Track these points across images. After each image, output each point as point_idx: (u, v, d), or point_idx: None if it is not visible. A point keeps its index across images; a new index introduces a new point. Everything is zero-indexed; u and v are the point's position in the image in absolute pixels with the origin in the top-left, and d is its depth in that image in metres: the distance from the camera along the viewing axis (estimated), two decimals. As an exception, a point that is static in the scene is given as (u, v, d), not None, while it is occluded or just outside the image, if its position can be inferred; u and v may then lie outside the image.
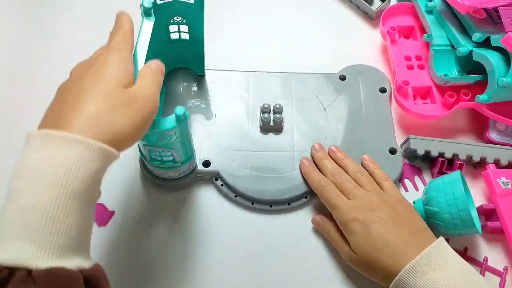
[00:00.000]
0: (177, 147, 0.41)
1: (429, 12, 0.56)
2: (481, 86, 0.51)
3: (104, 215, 0.47)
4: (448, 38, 0.54)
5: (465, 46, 0.50)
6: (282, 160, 0.49)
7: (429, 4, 0.56)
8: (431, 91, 0.54)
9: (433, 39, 0.54)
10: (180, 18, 0.48)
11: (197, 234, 0.46)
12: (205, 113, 0.53)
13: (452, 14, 0.54)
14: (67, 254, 0.27)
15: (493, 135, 0.51)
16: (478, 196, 0.49)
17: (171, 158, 0.43)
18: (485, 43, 0.50)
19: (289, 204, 0.48)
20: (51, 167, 0.27)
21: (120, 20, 0.37)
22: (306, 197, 0.48)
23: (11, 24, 0.62)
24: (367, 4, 0.63)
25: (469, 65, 0.52)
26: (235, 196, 0.48)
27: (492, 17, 0.52)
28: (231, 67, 0.57)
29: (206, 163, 0.49)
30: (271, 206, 0.48)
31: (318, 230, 0.47)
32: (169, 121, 0.37)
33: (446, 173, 0.48)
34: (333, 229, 0.44)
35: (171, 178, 0.47)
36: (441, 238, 0.39)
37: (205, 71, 0.55)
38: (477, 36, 0.49)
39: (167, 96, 0.53)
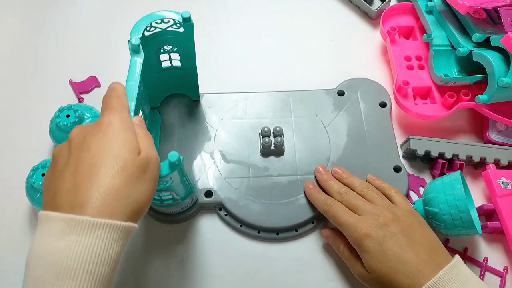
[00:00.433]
0: (174, 189, 0.40)
1: (429, 12, 0.56)
2: (481, 86, 0.51)
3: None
4: (448, 38, 0.54)
5: (465, 47, 0.50)
6: (286, 184, 0.48)
7: (429, 4, 0.55)
8: (431, 91, 0.54)
9: (433, 39, 0.54)
10: (170, 47, 0.46)
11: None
12: (203, 141, 0.51)
13: (452, 14, 0.54)
14: None
15: (493, 135, 0.51)
16: (478, 197, 0.49)
17: (170, 197, 0.41)
18: (485, 44, 0.50)
19: (296, 230, 0.46)
20: (76, 256, 0.27)
21: (113, 84, 0.36)
22: (313, 222, 0.47)
23: (11, 24, 0.62)
24: (367, 4, 0.63)
25: (469, 66, 0.52)
26: (240, 225, 0.46)
27: (492, 17, 0.52)
28: (226, 89, 0.55)
29: (208, 193, 0.47)
30: (277, 233, 0.46)
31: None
32: (163, 168, 0.35)
33: (446, 173, 0.48)
34: (343, 245, 0.43)
35: (173, 213, 0.46)
36: (457, 257, 0.38)
37: (200, 95, 0.54)
38: (477, 36, 0.49)
39: (162, 125, 0.51)
